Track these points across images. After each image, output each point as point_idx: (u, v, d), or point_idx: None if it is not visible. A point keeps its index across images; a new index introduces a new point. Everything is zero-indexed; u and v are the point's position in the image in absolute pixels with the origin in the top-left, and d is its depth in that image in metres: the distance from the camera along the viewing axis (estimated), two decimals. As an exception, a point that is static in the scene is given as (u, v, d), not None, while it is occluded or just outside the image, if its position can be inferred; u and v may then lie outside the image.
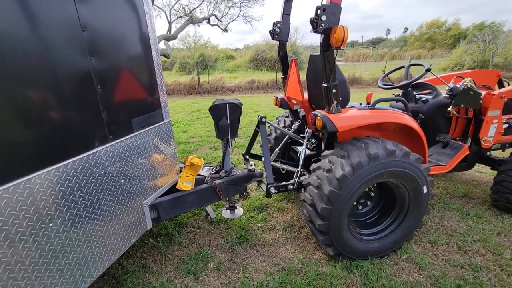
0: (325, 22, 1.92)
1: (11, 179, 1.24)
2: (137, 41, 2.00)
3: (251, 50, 25.18)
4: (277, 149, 3.09)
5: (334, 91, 2.17)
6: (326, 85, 2.16)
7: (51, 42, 1.39)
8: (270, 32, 2.81)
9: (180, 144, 5.61)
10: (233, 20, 10.04)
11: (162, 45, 7.71)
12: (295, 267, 2.31)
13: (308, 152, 2.81)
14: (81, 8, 1.53)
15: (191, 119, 8.04)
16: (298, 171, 2.58)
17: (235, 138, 2.58)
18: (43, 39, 1.36)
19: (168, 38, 7.16)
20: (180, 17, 9.57)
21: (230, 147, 2.53)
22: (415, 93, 2.96)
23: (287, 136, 3.07)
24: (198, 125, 7.34)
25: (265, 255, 2.48)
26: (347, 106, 2.48)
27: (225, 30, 10.07)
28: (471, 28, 31.61)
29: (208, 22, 9.84)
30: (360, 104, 2.52)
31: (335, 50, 2.04)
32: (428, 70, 2.62)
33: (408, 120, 2.35)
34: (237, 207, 2.74)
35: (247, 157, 3.12)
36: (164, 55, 7.39)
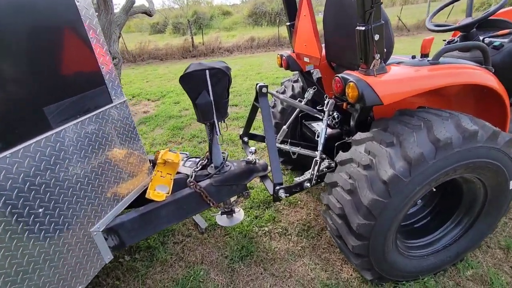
0: None
1: None
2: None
3: (249, 4, 23.03)
4: (284, 127, 2.30)
5: (377, 37, 1.32)
6: (363, 27, 1.31)
7: None
8: None
9: (171, 119, 4.83)
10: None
11: (143, 0, 6.56)
12: (319, 296, 1.68)
13: (328, 130, 2.03)
14: None
15: (185, 87, 7.13)
16: (316, 160, 1.83)
17: (225, 119, 1.79)
18: None
19: (147, -10, 6.03)
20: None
21: (218, 133, 1.76)
22: (481, 36, 2.05)
23: (298, 108, 2.26)
24: (192, 93, 6.46)
25: (275, 275, 1.85)
26: (389, 62, 1.63)
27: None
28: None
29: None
30: (413, 57, 1.66)
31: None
32: None
33: (490, 79, 1.51)
34: (236, 210, 2.06)
35: (246, 139, 2.37)
36: (145, 13, 6.26)
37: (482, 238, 1.71)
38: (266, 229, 2.21)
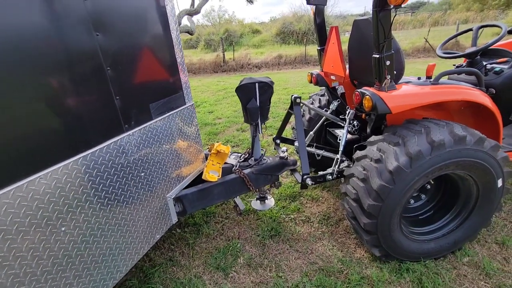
0: None
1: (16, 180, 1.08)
2: (153, 12, 1.71)
3: (277, 23, 24.01)
4: (311, 133, 2.75)
5: (388, 63, 1.76)
6: (378, 55, 1.76)
7: (43, 16, 1.15)
8: None
9: (207, 126, 5.43)
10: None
11: (185, 21, 7.38)
12: (335, 267, 2.06)
13: (348, 136, 2.46)
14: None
15: (217, 99, 7.81)
16: (337, 158, 2.26)
17: (265, 122, 2.29)
18: (33, 13, 1.13)
19: (191, 12, 6.78)
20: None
21: (260, 132, 2.25)
22: (484, 62, 2.41)
23: (324, 117, 2.71)
24: (224, 104, 7.10)
25: (299, 251, 2.25)
26: (400, 82, 2.06)
27: (251, 1, 9.39)
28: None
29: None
30: (419, 78, 2.07)
31: (392, 10, 1.61)
32: (510, 32, 2.08)
33: (482, 97, 1.88)
34: (268, 197, 2.51)
35: (278, 141, 2.83)
36: (188, 32, 7.07)
37: (477, 230, 2.02)
38: (292, 216, 2.63)
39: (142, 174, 1.69)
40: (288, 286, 1.94)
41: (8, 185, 1.06)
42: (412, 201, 2.18)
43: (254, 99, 2.09)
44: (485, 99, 1.90)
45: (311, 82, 2.77)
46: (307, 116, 3.02)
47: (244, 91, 2.08)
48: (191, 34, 7.42)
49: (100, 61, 1.37)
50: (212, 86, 10.00)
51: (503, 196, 1.92)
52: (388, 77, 1.80)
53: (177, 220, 2.04)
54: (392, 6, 1.58)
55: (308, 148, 2.71)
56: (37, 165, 1.16)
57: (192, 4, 7.24)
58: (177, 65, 1.93)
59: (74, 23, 1.25)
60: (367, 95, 1.82)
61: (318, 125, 2.76)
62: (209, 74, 13.32)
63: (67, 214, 1.28)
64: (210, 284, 2.02)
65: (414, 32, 20.41)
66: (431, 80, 1.94)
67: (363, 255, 2.16)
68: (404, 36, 17.28)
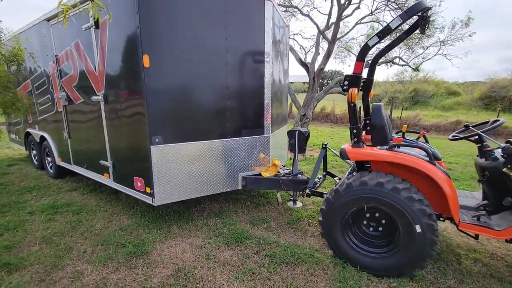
0: (347, 86, 2.91)
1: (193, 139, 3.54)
2: (256, 82, 3.91)
3: (484, 85, 20.55)
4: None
5: (354, 131, 2.99)
6: (349, 126, 3.04)
7: (211, 81, 3.62)
8: None
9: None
10: (426, 60, 9.35)
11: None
12: (303, 246, 3.28)
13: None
14: (228, 57, 3.64)
15: (352, 148, 9.00)
16: (336, 181, 3.45)
17: (305, 154, 3.87)
18: (210, 81, 3.61)
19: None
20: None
21: (297, 158, 3.85)
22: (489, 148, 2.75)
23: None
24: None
25: (295, 233, 3.58)
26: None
27: (417, 69, 9.71)
28: None
29: (392, 65, 9.84)
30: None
31: (352, 104, 2.91)
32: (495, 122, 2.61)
33: (427, 168, 2.58)
34: (297, 201, 3.97)
35: (324, 173, 4.18)
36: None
37: (408, 266, 2.59)
38: (310, 221, 3.90)
39: (230, 158, 3.87)
40: (242, 229, 3.41)
41: (202, 140, 3.55)
42: (371, 229, 2.96)
43: (294, 139, 3.78)
44: (429, 169, 2.58)
45: None
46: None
47: (289, 134, 3.83)
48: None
49: (225, 101, 3.71)
50: (360, 138, 11.08)
51: (427, 243, 2.46)
52: (355, 139, 2.99)
53: (240, 188, 4.03)
54: (351, 103, 2.89)
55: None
56: (208, 137, 3.61)
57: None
58: (264, 112, 4.01)
59: (218, 79, 3.66)
60: (342, 147, 3.08)
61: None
62: (370, 128, 14.22)
63: (206, 156, 3.63)
64: (240, 225, 3.82)
65: None
66: (387, 147, 2.85)
67: (327, 253, 3.20)
68: None
